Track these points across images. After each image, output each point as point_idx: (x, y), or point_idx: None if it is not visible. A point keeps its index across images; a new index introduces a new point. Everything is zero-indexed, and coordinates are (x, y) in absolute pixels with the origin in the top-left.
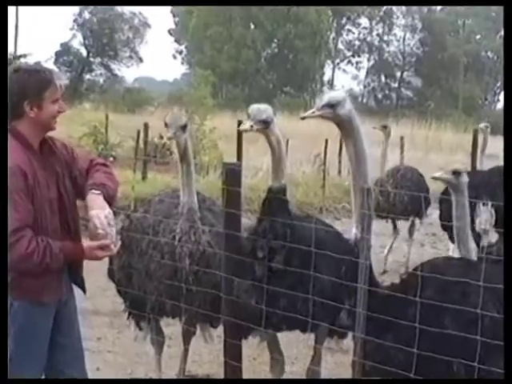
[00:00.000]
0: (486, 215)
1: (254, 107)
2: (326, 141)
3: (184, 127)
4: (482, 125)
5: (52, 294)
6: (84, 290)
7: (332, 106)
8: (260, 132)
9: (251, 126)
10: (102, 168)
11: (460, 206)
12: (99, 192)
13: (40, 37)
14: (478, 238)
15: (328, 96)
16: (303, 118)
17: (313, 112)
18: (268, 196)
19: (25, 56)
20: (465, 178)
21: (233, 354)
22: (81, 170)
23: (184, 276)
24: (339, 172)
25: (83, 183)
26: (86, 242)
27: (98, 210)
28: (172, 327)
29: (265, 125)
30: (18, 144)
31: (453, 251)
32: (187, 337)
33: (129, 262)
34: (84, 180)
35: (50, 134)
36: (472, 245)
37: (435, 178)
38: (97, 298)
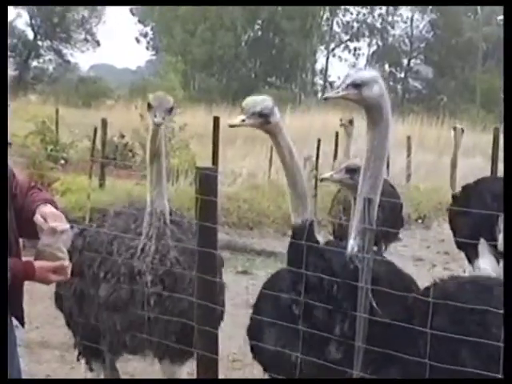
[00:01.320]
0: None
1: (249, 98)
2: (319, 141)
3: (170, 110)
4: None
5: None
6: (22, 324)
7: (358, 85)
8: (259, 128)
9: (242, 120)
10: (43, 192)
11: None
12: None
13: None
14: (500, 256)
15: (354, 74)
16: (326, 99)
17: (337, 92)
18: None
19: None
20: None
21: None
22: (21, 187)
23: (145, 298)
24: None
25: (22, 203)
26: (39, 262)
27: (58, 224)
28: (135, 362)
29: (261, 118)
30: None
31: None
32: None
33: (80, 288)
34: (23, 199)
35: None
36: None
37: (324, 180)
38: (46, 328)
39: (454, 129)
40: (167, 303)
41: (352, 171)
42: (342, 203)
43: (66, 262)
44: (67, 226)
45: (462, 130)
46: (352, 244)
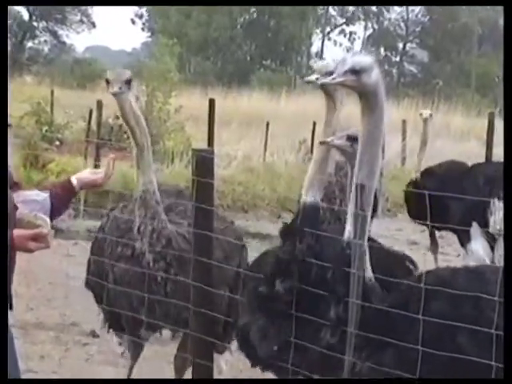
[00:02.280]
0: (501, 213)
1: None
2: (314, 124)
3: (128, 82)
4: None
5: None
6: (10, 306)
7: (357, 72)
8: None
9: (333, 79)
10: None
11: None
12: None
13: None
14: (492, 240)
15: (352, 60)
16: (322, 84)
17: (333, 78)
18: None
19: None
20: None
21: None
22: None
23: (151, 276)
24: None
25: None
26: (17, 230)
27: (36, 193)
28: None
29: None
30: None
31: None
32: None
33: (99, 268)
34: None
35: None
36: (482, 246)
37: (323, 144)
38: (41, 310)
39: (421, 115)
40: (177, 279)
41: (353, 139)
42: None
43: (45, 230)
44: (44, 195)
45: (431, 115)
46: (349, 230)
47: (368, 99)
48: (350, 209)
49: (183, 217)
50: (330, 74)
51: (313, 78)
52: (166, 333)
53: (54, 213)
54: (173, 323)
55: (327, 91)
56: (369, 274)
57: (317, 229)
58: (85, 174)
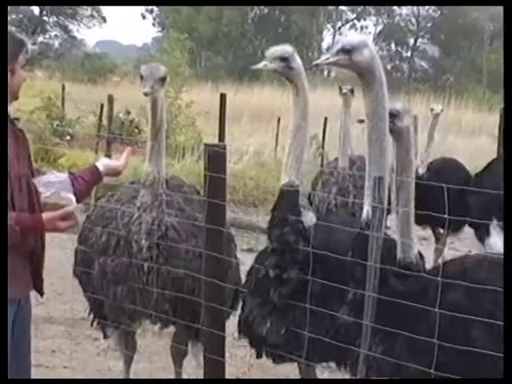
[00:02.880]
0: None
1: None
2: (325, 119)
3: (163, 80)
4: None
5: (18, 288)
6: (41, 293)
7: (348, 51)
8: (282, 75)
9: (264, 65)
10: None
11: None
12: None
13: None
14: None
15: (343, 40)
16: (316, 65)
17: (327, 58)
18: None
19: None
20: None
21: (214, 373)
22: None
23: (140, 261)
24: None
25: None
26: (46, 213)
27: (55, 174)
28: (140, 340)
29: (283, 63)
30: None
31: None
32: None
33: (88, 256)
34: None
35: None
36: (500, 240)
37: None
38: (51, 304)
39: (432, 110)
40: (162, 269)
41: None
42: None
43: (71, 208)
44: (64, 175)
45: (442, 111)
46: (367, 210)
47: (364, 76)
48: (367, 190)
49: (170, 207)
50: (282, 59)
51: (261, 64)
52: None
53: (79, 196)
54: (155, 312)
55: (290, 78)
56: None
57: (298, 208)
58: (106, 161)
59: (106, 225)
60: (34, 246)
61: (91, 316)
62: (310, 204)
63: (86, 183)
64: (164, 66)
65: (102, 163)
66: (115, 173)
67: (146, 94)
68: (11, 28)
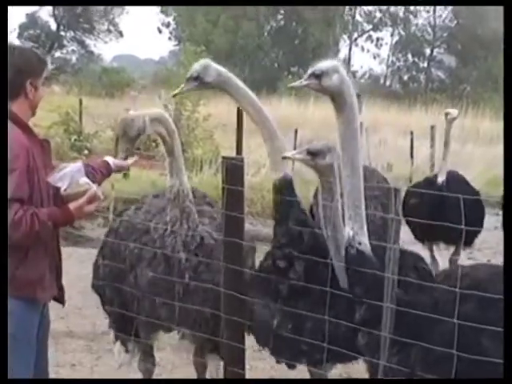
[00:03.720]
0: None
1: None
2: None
3: (138, 137)
4: None
5: (45, 290)
6: (63, 302)
7: (317, 76)
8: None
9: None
10: None
11: (326, 190)
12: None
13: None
14: None
15: (316, 65)
16: (291, 88)
17: (300, 81)
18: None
19: None
20: (327, 159)
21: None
22: None
23: (179, 272)
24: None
25: None
26: (72, 203)
27: (61, 167)
28: (160, 352)
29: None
30: (14, 126)
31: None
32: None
33: (116, 270)
34: None
35: None
36: None
37: (286, 158)
38: (71, 318)
39: (447, 114)
40: (203, 276)
41: (313, 154)
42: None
43: (93, 189)
44: (79, 163)
45: (458, 115)
46: (347, 230)
47: (335, 100)
48: (347, 210)
49: (202, 215)
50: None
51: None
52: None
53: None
54: (193, 323)
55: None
56: None
57: (295, 196)
58: (112, 158)
59: (138, 238)
60: (57, 254)
61: (113, 330)
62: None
63: (100, 174)
64: (125, 120)
65: (111, 160)
66: (122, 169)
67: (123, 159)
68: (32, 47)
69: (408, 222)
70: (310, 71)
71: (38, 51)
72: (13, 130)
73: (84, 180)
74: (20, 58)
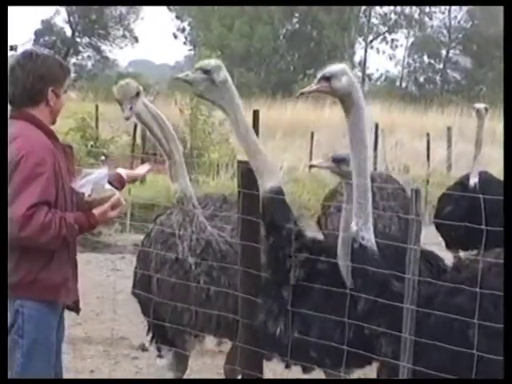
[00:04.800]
0: None
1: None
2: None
3: (137, 95)
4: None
5: (69, 293)
6: (78, 310)
7: (327, 78)
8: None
9: (186, 75)
10: None
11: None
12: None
13: (16, 13)
14: None
15: (325, 69)
16: (302, 94)
17: (311, 86)
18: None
19: None
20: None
21: None
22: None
23: (192, 278)
24: (375, 170)
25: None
26: (96, 209)
27: (82, 174)
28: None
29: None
30: (40, 132)
31: None
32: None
33: (144, 278)
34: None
35: None
36: None
37: (313, 166)
38: (89, 324)
39: (477, 110)
40: (218, 280)
41: (338, 161)
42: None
43: (117, 195)
44: (104, 170)
45: (486, 109)
46: (353, 224)
47: (344, 102)
48: (354, 208)
49: (227, 222)
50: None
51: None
52: (210, 341)
53: None
54: (216, 328)
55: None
56: None
57: (287, 209)
58: (125, 170)
59: (165, 242)
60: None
61: (150, 335)
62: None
63: (118, 184)
64: (134, 81)
65: (124, 171)
66: (135, 180)
67: (127, 119)
68: (52, 52)
69: (439, 230)
70: (319, 75)
71: (62, 59)
72: (38, 135)
73: (108, 186)
74: (43, 65)
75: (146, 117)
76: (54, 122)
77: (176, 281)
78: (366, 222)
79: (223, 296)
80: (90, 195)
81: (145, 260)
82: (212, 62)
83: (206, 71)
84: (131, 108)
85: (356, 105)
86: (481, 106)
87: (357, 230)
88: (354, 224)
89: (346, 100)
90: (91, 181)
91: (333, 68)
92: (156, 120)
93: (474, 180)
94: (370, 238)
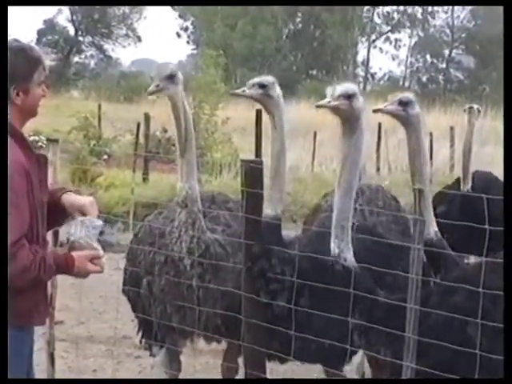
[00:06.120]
0: None
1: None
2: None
3: (171, 77)
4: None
5: (41, 315)
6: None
7: (349, 96)
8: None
9: (243, 91)
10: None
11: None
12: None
13: (18, 12)
14: None
15: (344, 86)
16: (318, 107)
17: (328, 101)
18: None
19: None
20: (415, 109)
21: None
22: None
23: (186, 279)
24: (378, 169)
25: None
26: (77, 252)
27: (93, 218)
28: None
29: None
30: (12, 141)
31: None
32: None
33: (136, 275)
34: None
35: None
36: None
37: (376, 111)
38: (92, 323)
39: (470, 110)
40: (209, 285)
41: (405, 104)
42: None
43: (101, 253)
44: (100, 222)
45: (478, 110)
46: (333, 247)
47: (351, 122)
48: (334, 224)
49: (217, 223)
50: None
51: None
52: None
53: None
54: (204, 330)
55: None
56: None
57: (280, 239)
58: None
59: (153, 243)
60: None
61: (139, 334)
62: None
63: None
64: (173, 64)
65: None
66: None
67: (149, 93)
68: (26, 44)
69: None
70: (339, 91)
71: (33, 50)
72: (11, 149)
73: (96, 243)
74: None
75: (177, 103)
76: (32, 115)
77: (167, 281)
78: (346, 243)
79: (212, 299)
80: (80, 237)
81: (133, 260)
82: (268, 78)
83: (263, 86)
84: (157, 85)
85: (361, 127)
86: (473, 106)
87: (338, 252)
88: (335, 246)
89: (354, 121)
90: (90, 227)
91: (352, 87)
92: (184, 113)
93: (467, 183)
94: (351, 258)
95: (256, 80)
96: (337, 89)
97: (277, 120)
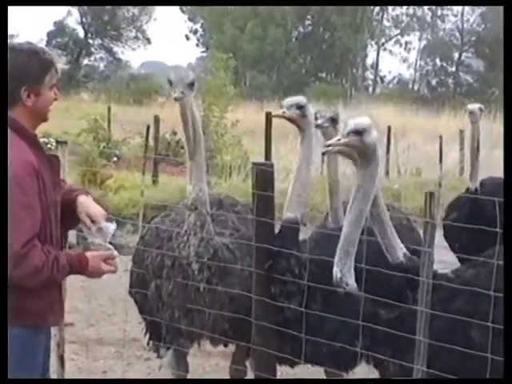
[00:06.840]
0: None
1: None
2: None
3: (192, 85)
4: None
5: (55, 316)
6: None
7: (359, 132)
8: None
9: (283, 112)
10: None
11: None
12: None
13: (28, 15)
14: None
15: (354, 122)
16: (328, 146)
17: (338, 139)
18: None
19: (11, 37)
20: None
21: None
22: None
23: (193, 282)
24: (387, 173)
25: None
26: (91, 252)
27: (105, 222)
28: (191, 358)
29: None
30: (18, 138)
31: None
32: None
33: (143, 277)
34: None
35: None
36: None
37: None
38: (101, 325)
39: (470, 112)
40: (217, 289)
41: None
42: None
43: (115, 253)
44: (114, 225)
45: (481, 110)
46: (336, 270)
47: (366, 156)
48: (340, 247)
49: (225, 226)
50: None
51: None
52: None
53: None
54: (212, 334)
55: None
56: None
57: (297, 243)
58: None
59: (161, 246)
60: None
61: (147, 336)
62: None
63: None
64: (192, 72)
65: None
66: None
67: (176, 99)
68: (39, 47)
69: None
70: (349, 128)
71: (45, 53)
72: (21, 149)
73: (111, 247)
74: (13, 64)
75: (186, 106)
76: (43, 120)
77: (175, 285)
78: (349, 268)
79: (221, 303)
80: (100, 243)
81: (140, 262)
82: (303, 99)
83: (301, 107)
84: (183, 92)
85: (376, 160)
86: (474, 106)
87: (341, 276)
88: (338, 270)
89: (369, 155)
90: (106, 233)
91: (362, 121)
92: (193, 117)
93: (474, 186)
94: (352, 283)
95: (294, 101)
96: (348, 125)
97: (307, 137)
